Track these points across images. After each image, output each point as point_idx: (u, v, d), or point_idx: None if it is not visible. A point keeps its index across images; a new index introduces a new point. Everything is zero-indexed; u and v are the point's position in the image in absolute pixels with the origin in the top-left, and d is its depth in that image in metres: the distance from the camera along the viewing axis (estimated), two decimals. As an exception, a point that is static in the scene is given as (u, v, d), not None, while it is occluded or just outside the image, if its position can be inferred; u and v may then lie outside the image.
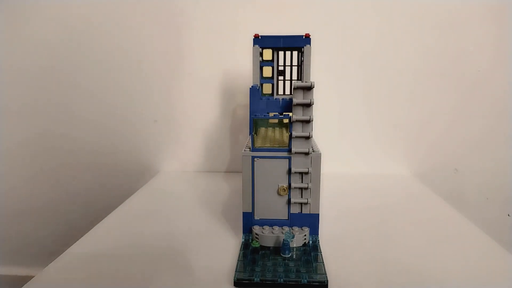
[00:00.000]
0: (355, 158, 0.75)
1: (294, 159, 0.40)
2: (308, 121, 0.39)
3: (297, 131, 0.39)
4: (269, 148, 0.41)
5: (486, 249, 0.43)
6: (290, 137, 0.39)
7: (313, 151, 0.40)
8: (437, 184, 0.72)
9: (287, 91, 0.56)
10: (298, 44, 0.49)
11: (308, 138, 0.39)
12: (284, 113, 0.42)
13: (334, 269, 0.36)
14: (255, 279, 0.34)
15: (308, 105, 0.39)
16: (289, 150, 0.40)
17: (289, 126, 0.40)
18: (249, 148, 0.41)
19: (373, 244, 0.43)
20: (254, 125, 0.43)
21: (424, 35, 0.70)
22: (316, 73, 0.54)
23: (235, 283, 0.34)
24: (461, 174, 0.75)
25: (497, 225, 0.73)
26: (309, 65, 0.49)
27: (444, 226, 0.49)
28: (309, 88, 0.39)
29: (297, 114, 0.39)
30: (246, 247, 0.40)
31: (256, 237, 0.41)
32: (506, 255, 0.41)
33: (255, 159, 0.41)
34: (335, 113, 0.73)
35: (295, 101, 0.38)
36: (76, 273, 0.38)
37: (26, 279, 0.36)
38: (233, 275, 0.34)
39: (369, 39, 0.71)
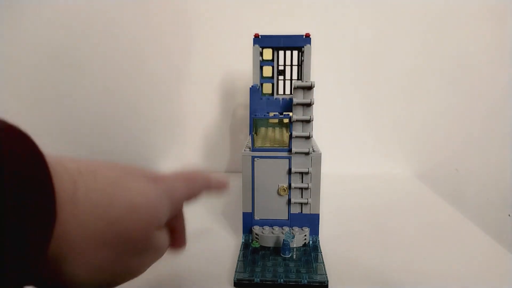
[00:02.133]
0: (355, 158, 0.75)
1: (294, 159, 0.40)
2: (308, 121, 0.39)
3: (297, 131, 0.39)
4: (269, 148, 0.41)
5: (486, 249, 0.43)
6: (290, 137, 0.39)
7: (313, 151, 0.40)
8: (438, 184, 0.72)
9: (287, 91, 0.56)
10: (298, 43, 0.49)
11: (308, 138, 0.39)
12: (284, 113, 0.42)
13: (335, 269, 0.36)
14: (255, 279, 0.33)
15: (308, 105, 0.39)
16: (289, 150, 0.40)
17: (289, 126, 0.40)
18: (249, 148, 0.41)
19: (373, 244, 0.43)
20: (254, 125, 0.43)
21: (424, 34, 0.70)
22: (316, 73, 0.54)
23: (235, 284, 0.34)
24: (462, 174, 0.75)
25: (497, 225, 0.73)
26: (309, 64, 0.49)
27: (445, 226, 0.49)
28: (309, 88, 0.38)
29: (297, 114, 0.39)
30: (246, 247, 0.40)
31: (256, 237, 0.41)
32: (506, 255, 0.41)
33: (255, 159, 0.40)
34: (335, 113, 0.73)
35: (295, 100, 0.38)
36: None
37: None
38: (233, 276, 0.34)
39: (370, 39, 0.71)
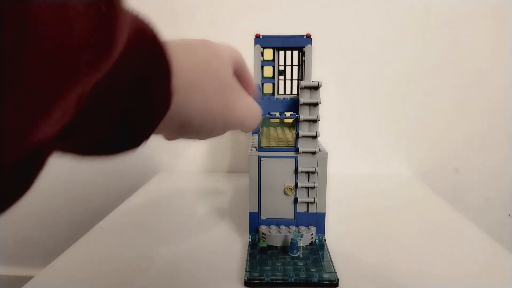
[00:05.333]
0: (356, 158, 0.75)
1: (301, 158, 0.40)
2: (315, 121, 0.39)
3: (304, 130, 0.39)
4: (275, 148, 0.41)
5: (486, 249, 0.43)
6: (297, 136, 0.39)
7: (320, 150, 0.40)
8: (438, 184, 0.72)
9: (287, 91, 0.56)
10: (299, 44, 0.49)
11: (315, 137, 0.39)
12: (290, 113, 0.42)
13: (342, 267, 0.36)
14: (266, 278, 0.33)
15: (315, 105, 0.39)
16: (296, 150, 0.40)
17: (295, 125, 0.40)
18: (255, 148, 0.41)
19: (376, 243, 0.44)
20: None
21: (424, 34, 0.70)
22: (317, 73, 0.54)
23: (246, 283, 0.34)
24: (462, 174, 0.75)
25: (497, 225, 0.74)
26: (310, 64, 0.49)
27: (445, 226, 0.49)
28: (316, 88, 0.39)
29: (304, 114, 0.39)
30: (253, 246, 0.40)
31: (263, 237, 0.41)
32: (506, 255, 0.41)
33: (262, 158, 0.40)
34: (335, 113, 0.73)
35: (302, 100, 0.38)
36: (76, 273, 0.37)
37: (26, 279, 0.36)
38: (243, 275, 0.34)
39: (370, 39, 0.71)
